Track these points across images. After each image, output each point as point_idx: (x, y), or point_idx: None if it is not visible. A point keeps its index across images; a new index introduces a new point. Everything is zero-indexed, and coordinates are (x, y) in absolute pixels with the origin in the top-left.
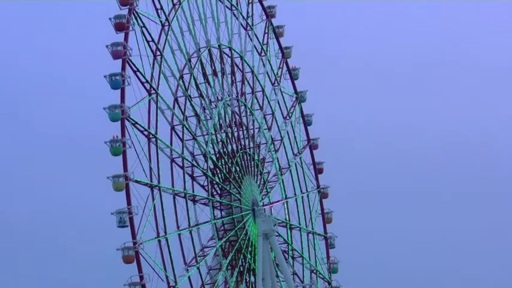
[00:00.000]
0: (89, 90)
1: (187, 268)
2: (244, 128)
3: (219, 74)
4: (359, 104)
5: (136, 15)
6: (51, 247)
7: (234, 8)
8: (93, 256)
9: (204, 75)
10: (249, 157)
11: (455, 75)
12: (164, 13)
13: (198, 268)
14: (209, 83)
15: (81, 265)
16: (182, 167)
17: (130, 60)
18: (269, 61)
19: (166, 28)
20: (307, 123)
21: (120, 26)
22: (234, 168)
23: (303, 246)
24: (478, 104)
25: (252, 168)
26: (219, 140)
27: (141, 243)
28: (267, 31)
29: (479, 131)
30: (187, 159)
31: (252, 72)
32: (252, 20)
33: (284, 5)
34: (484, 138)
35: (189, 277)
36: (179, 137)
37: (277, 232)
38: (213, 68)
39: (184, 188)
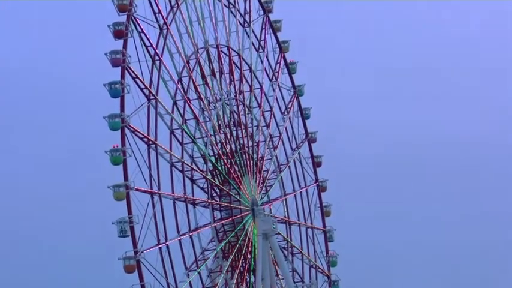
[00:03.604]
0: (89, 98)
1: (188, 273)
2: (243, 126)
3: (218, 74)
4: (358, 98)
5: (134, 20)
6: (51, 256)
7: (231, 6)
8: (93, 264)
9: (203, 76)
10: (248, 156)
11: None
12: (162, 16)
13: (199, 273)
14: (208, 84)
15: (81, 271)
16: (182, 171)
17: (130, 68)
18: (267, 57)
19: (164, 31)
20: (305, 116)
21: (119, 34)
22: (233, 168)
23: (302, 242)
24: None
25: (252, 167)
26: (218, 141)
27: (142, 252)
28: (264, 26)
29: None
30: (186, 164)
31: (250, 69)
32: (250, 16)
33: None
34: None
35: (190, 282)
36: (178, 141)
37: (278, 231)
38: (211, 68)
39: (184, 193)
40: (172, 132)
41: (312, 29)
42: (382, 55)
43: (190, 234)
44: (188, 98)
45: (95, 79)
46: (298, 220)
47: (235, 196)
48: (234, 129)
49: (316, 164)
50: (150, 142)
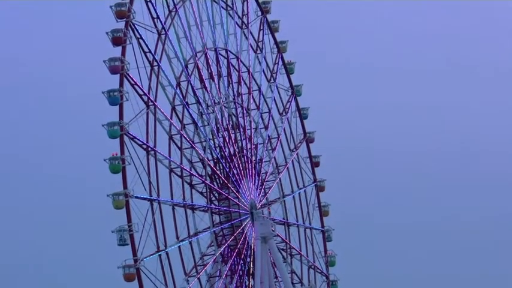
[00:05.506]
0: (88, 105)
1: (187, 278)
2: (241, 129)
3: (216, 78)
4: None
5: (132, 26)
6: (50, 264)
7: (229, 8)
8: (93, 272)
9: (201, 80)
10: (246, 159)
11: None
12: (160, 21)
13: (199, 279)
14: (206, 88)
15: (81, 278)
16: (181, 176)
17: (128, 75)
18: (265, 58)
19: (163, 37)
20: (303, 116)
21: (117, 41)
22: (231, 172)
23: (301, 243)
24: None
25: (250, 170)
26: (216, 145)
27: (141, 260)
28: (262, 27)
29: None
30: (185, 169)
31: (249, 71)
32: (248, 18)
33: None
34: None
35: None
36: (177, 146)
37: (277, 233)
38: (209, 71)
39: (184, 199)
40: (171, 138)
41: (310, 29)
42: (382, 55)
43: (190, 239)
44: (187, 103)
45: (93, 86)
46: (297, 221)
47: (234, 200)
48: (233, 132)
49: (315, 164)
50: (149, 149)
